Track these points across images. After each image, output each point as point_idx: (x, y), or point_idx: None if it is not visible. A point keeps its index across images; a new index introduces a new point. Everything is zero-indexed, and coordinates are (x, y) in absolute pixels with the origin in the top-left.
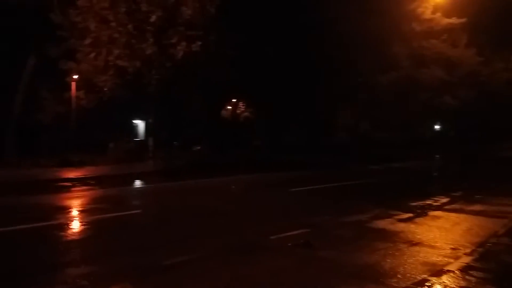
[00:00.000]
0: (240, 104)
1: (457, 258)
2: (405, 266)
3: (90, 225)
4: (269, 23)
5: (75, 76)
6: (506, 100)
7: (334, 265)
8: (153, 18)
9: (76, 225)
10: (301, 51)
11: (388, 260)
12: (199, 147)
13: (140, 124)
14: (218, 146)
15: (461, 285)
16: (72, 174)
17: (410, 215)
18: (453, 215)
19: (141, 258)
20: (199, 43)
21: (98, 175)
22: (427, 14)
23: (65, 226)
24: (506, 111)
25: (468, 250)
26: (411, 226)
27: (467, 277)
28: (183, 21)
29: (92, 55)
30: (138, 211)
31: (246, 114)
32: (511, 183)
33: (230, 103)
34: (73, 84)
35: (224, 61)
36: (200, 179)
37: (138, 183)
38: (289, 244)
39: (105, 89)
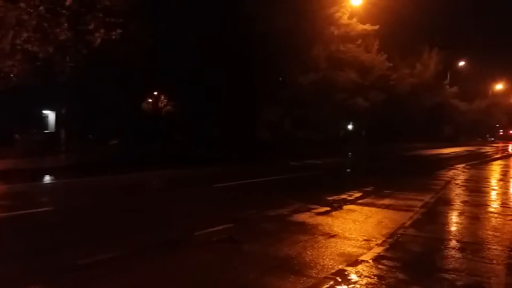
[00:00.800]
0: (162, 97)
1: (370, 248)
2: (324, 257)
3: None
4: (192, 16)
5: None
6: (410, 103)
7: (257, 258)
8: (68, 1)
9: None
10: (223, 47)
11: (308, 252)
12: (116, 141)
13: (50, 115)
14: (137, 140)
15: (374, 273)
16: None
17: (328, 208)
18: (365, 209)
19: (54, 258)
20: (119, 31)
21: (2, 169)
22: (344, 19)
23: None
24: (410, 113)
25: (379, 241)
26: (329, 219)
27: (379, 266)
28: (101, 7)
29: None
30: (49, 208)
31: (168, 107)
32: (414, 179)
33: (152, 96)
34: None
35: (145, 51)
36: (118, 175)
37: (49, 178)
38: (214, 239)
39: (12, 75)
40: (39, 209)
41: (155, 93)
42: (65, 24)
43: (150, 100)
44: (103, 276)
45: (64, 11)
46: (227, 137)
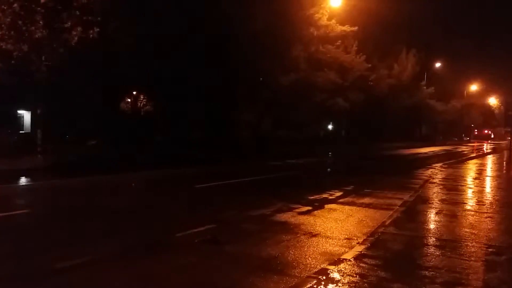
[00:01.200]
0: (141, 97)
1: (351, 247)
2: (306, 256)
3: None
4: (171, 16)
5: None
6: (388, 103)
7: (240, 258)
8: None
9: None
10: (203, 47)
11: (291, 251)
12: (95, 142)
13: (26, 115)
14: (116, 140)
15: (356, 272)
16: None
17: (309, 208)
18: (346, 208)
19: (29, 262)
20: (97, 29)
21: None
22: (324, 20)
23: None
24: (388, 113)
25: (360, 240)
26: (310, 219)
27: (361, 264)
28: (78, 5)
29: None
30: (25, 211)
31: (147, 107)
32: (393, 178)
33: (131, 96)
34: None
35: (124, 50)
36: (97, 176)
37: (25, 180)
38: (196, 241)
39: None
40: (15, 212)
41: (134, 92)
42: (41, 22)
43: (129, 100)
44: (81, 280)
45: (39, 9)
46: (208, 137)
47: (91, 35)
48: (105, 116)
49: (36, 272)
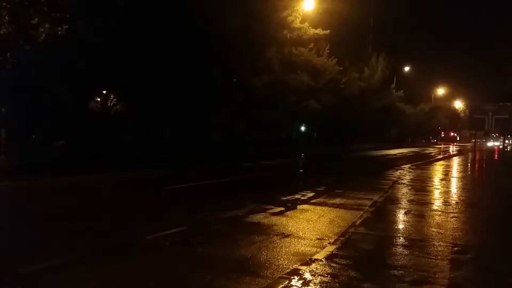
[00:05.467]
0: (111, 96)
1: (323, 247)
2: (279, 257)
3: None
4: (142, 14)
5: None
6: (359, 106)
7: (212, 260)
8: None
9: None
10: (174, 47)
11: (263, 252)
12: (63, 142)
13: None
14: (85, 141)
15: (327, 272)
16: None
17: (282, 209)
18: (318, 208)
19: None
20: (66, 26)
21: None
22: (297, 23)
23: None
24: (359, 116)
25: (332, 240)
26: (283, 219)
27: (332, 264)
28: (46, 1)
29: None
30: None
31: (117, 107)
32: (363, 179)
33: (100, 95)
34: None
35: (94, 48)
36: (64, 177)
37: None
38: (167, 243)
39: None
40: None
41: (104, 92)
42: (6, 18)
43: (99, 100)
44: (46, 286)
45: (4, 4)
46: (179, 138)
47: (59, 32)
48: (73, 116)
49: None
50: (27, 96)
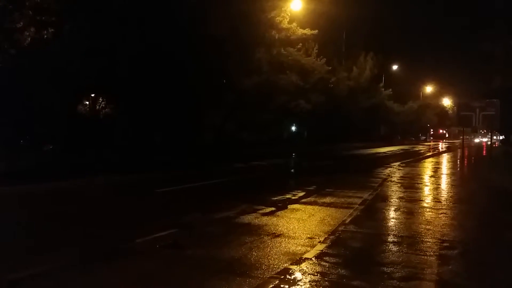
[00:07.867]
0: (100, 99)
1: (313, 246)
2: (269, 257)
3: None
4: (130, 17)
5: None
6: (348, 105)
7: (203, 262)
8: None
9: None
10: (163, 49)
11: (254, 253)
12: (51, 146)
13: None
14: (73, 145)
15: (318, 270)
16: None
17: (273, 209)
18: (309, 207)
19: None
20: (52, 30)
21: None
22: (285, 23)
23: None
24: (348, 115)
25: (322, 238)
26: (274, 219)
27: (322, 263)
28: (31, 4)
29: None
30: None
31: (106, 110)
32: (353, 177)
33: (89, 98)
34: None
35: (81, 52)
36: (53, 182)
37: None
38: (157, 246)
39: None
40: None
41: (92, 95)
42: None
43: (87, 103)
44: None
45: None
46: (170, 141)
47: (45, 36)
48: (62, 120)
49: None
50: (14, 101)
